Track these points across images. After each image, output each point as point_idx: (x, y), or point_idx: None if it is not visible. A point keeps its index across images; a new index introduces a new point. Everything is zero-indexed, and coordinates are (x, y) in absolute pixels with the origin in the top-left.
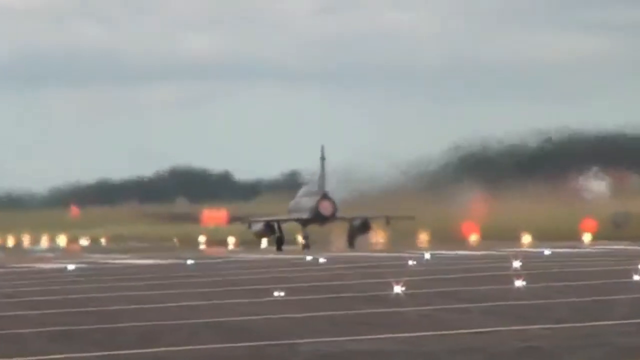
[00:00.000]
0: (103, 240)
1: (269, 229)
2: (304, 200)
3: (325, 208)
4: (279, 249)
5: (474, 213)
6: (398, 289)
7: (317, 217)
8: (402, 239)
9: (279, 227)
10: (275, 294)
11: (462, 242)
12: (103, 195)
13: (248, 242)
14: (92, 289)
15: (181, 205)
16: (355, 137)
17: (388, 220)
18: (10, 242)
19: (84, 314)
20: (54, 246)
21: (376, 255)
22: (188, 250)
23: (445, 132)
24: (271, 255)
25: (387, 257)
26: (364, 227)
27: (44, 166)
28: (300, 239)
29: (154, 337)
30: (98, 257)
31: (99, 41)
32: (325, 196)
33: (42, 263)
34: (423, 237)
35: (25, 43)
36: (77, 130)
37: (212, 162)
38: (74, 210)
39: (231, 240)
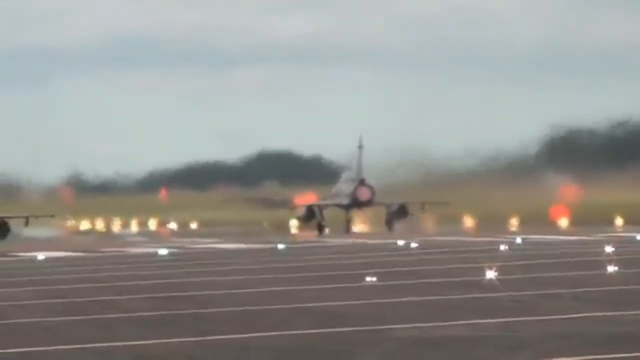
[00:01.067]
0: (194, 225)
1: (311, 213)
2: (344, 186)
3: (362, 194)
4: (320, 233)
5: (565, 198)
6: (490, 274)
7: (355, 202)
8: (494, 223)
9: (321, 212)
10: (367, 279)
11: (553, 227)
12: (193, 179)
13: (340, 227)
14: (183, 274)
15: (271, 188)
16: (443, 122)
17: (423, 206)
18: (101, 226)
19: (175, 299)
20: (144, 230)
21: (468, 240)
22: (279, 235)
23: (536, 118)
24: (362, 240)
25: (479, 242)
26: (402, 212)
27: (136, 150)
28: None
29: (245, 322)
30: (188, 242)
31: (192, 25)
32: (362, 182)
33: (133, 247)
34: (514, 222)
35: (120, 27)
36: (169, 114)
37: (302, 145)
38: (164, 194)
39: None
